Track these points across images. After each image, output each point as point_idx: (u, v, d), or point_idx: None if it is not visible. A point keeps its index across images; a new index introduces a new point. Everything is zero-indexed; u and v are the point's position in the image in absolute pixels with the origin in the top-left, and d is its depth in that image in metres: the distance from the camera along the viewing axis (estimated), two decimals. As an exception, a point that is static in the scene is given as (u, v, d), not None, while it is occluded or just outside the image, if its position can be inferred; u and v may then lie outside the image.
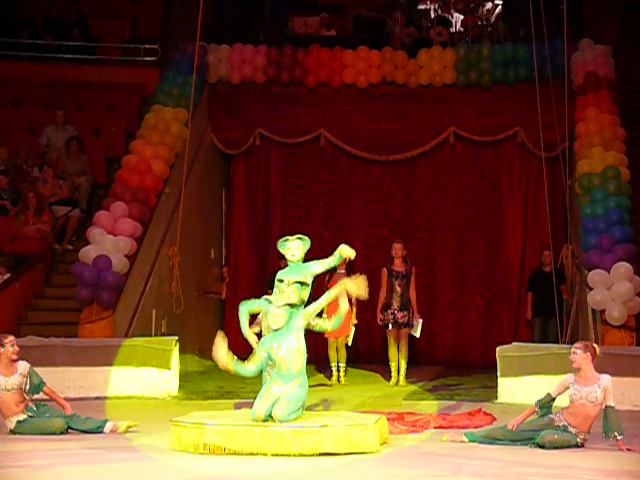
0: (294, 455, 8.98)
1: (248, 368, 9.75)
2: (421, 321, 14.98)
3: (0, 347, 10.41)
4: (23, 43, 19.21)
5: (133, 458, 9.14)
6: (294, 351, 9.63)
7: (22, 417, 10.41)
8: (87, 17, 20.06)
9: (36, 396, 10.59)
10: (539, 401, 9.86)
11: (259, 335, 10.15)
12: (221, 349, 9.65)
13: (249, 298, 10.39)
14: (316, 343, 15.66)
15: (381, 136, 18.25)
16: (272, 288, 10.23)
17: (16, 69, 19.12)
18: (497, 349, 13.42)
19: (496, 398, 13.22)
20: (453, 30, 19.81)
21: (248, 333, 10.10)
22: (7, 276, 15.44)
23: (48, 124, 18.26)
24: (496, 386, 13.34)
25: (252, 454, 9.02)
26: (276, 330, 9.67)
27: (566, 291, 16.23)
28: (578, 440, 9.64)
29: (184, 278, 16.37)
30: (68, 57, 19.27)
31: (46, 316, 15.43)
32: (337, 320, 10.20)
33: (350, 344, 15.14)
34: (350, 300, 14.91)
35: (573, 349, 9.78)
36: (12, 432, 10.38)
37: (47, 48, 19.26)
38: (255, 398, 9.69)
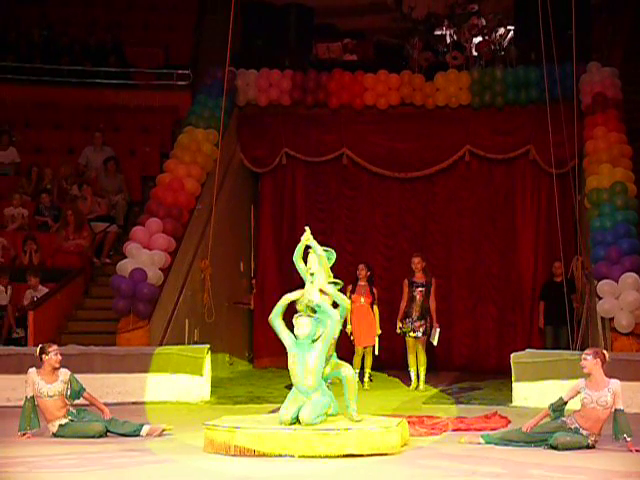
0: (320, 456, 8.96)
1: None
2: (439, 329, 14.99)
3: (44, 355, 10.45)
4: (63, 69, 19.33)
5: (168, 460, 9.15)
6: (309, 369, 9.54)
7: (64, 421, 10.44)
8: (123, 45, 20.20)
9: (77, 401, 10.61)
10: (552, 405, 9.83)
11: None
12: None
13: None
14: (341, 350, 15.66)
15: (400, 155, 18.25)
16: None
17: (57, 94, 19.26)
18: (511, 355, 13.39)
19: (511, 402, 13.19)
20: (468, 54, 19.78)
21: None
22: (40, 287, 15.45)
23: (87, 145, 18.35)
24: (510, 390, 13.32)
25: (280, 455, 9.01)
26: (300, 337, 9.63)
27: (576, 300, 16.16)
28: (589, 442, 9.60)
29: (215, 290, 16.39)
30: (105, 82, 19.40)
31: (85, 326, 15.48)
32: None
33: (377, 353, 15.15)
34: (372, 309, 15.16)
35: (584, 355, 9.75)
36: (54, 435, 10.42)
37: (86, 74, 19.38)
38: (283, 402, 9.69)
